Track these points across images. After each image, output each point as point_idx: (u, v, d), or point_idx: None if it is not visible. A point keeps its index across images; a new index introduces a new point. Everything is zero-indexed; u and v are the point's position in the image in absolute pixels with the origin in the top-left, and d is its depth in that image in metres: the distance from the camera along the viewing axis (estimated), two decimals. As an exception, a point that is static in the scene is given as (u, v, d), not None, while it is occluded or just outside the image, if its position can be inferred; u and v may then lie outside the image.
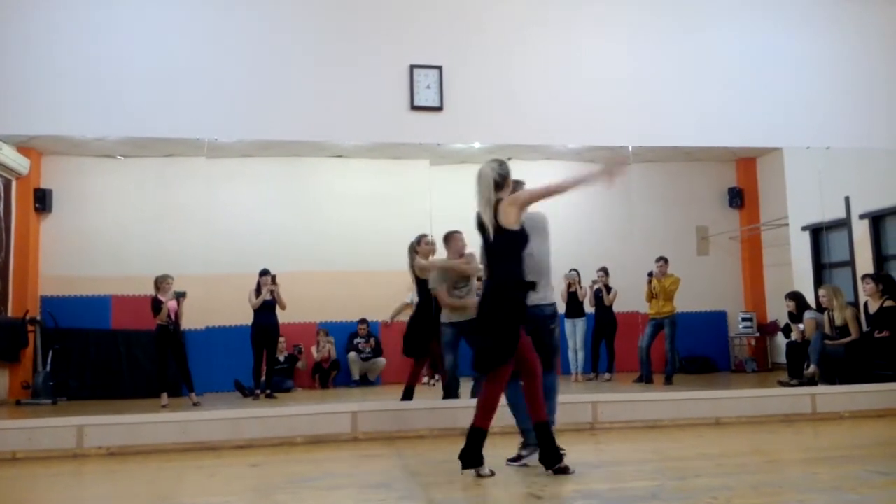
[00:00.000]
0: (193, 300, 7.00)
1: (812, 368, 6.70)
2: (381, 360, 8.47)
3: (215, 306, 7.33)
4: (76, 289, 7.63)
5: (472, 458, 3.71)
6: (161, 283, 6.75)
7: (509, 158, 4.02)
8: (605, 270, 8.16)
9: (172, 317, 6.75)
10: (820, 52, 6.37)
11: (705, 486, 3.42)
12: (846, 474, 3.62)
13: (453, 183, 7.75)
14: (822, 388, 6.19)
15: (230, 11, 5.64)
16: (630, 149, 6.28)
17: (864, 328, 6.75)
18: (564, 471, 3.65)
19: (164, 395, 6.53)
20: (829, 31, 6.42)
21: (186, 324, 7.01)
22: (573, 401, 5.56)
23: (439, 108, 5.75)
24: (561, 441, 3.76)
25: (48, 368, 7.13)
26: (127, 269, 7.59)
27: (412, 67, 5.74)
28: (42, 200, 7.70)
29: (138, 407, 6.08)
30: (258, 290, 7.34)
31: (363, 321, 8.50)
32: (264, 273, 7.36)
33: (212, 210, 7.03)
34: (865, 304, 6.80)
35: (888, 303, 6.57)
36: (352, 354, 8.40)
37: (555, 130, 5.97)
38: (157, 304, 6.71)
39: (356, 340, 8.47)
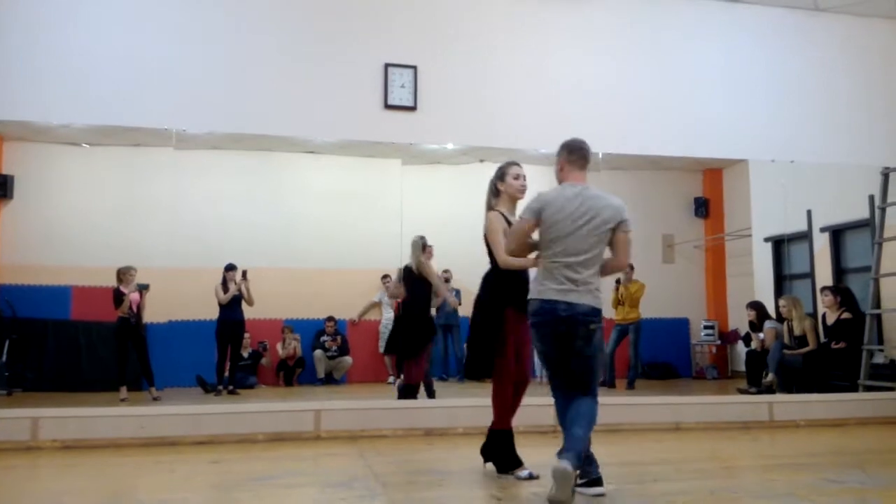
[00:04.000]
0: (156, 293, 6.90)
1: (770, 377, 6.84)
2: (348, 359, 8.43)
3: (179, 300, 7.24)
4: (36, 278, 7.47)
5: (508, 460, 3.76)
6: (124, 274, 6.65)
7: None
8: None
9: (134, 309, 6.64)
10: (787, 67, 6.50)
11: (663, 491, 3.47)
12: (801, 482, 3.70)
13: (425, 183, 7.79)
14: (779, 397, 6.32)
15: (204, 1, 5.57)
16: (600, 155, 6.34)
17: (822, 339, 6.91)
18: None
19: (124, 388, 6.43)
20: (796, 47, 6.55)
21: (149, 317, 6.90)
22: (536, 403, 5.58)
23: (413, 108, 5.74)
24: (523, 443, 3.78)
25: (4, 359, 6.97)
26: (89, 260, 7.45)
27: (387, 66, 5.72)
28: (3, 187, 7.52)
29: (96, 400, 5.97)
30: (224, 285, 7.25)
31: (330, 319, 8.46)
32: (230, 268, 7.28)
33: (178, 202, 6.95)
34: (824, 316, 6.96)
35: (845, 315, 6.73)
36: (318, 352, 8.35)
37: (526, 135, 6.00)
38: (118, 296, 6.60)
39: (323, 338, 8.43)
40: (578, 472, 3.22)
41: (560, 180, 3.58)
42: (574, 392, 3.40)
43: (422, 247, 6.07)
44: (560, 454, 3.16)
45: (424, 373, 6.08)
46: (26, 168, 7.64)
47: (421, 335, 5.94)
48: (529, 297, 3.48)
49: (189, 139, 6.08)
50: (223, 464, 4.28)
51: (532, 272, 3.69)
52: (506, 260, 3.70)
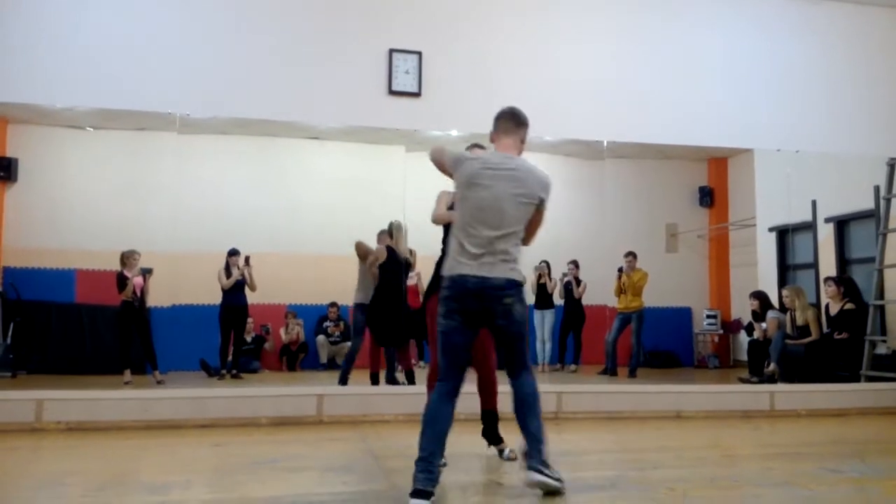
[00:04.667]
0: (160, 277, 6.91)
1: (772, 367, 6.84)
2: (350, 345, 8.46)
3: (182, 284, 7.25)
4: (40, 261, 7.48)
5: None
6: (127, 258, 6.66)
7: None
8: (575, 263, 8.24)
9: (138, 293, 6.66)
10: (793, 56, 6.46)
11: (663, 478, 3.48)
12: (800, 471, 3.71)
13: (428, 170, 7.77)
14: (780, 387, 6.32)
15: (208, -15, 5.55)
16: (605, 144, 6.33)
17: (825, 329, 6.91)
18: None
19: (127, 371, 6.45)
20: (801, 36, 6.51)
21: (153, 301, 6.92)
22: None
23: (417, 94, 5.72)
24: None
25: (9, 341, 7.00)
26: (93, 243, 7.45)
27: (391, 51, 5.70)
28: (7, 169, 7.52)
29: (101, 383, 6.00)
30: (227, 270, 7.28)
31: (333, 305, 8.47)
32: (233, 253, 7.30)
33: (182, 187, 6.94)
34: (827, 306, 6.95)
35: (848, 305, 6.73)
36: (320, 338, 8.39)
37: (531, 122, 5.97)
38: (122, 280, 6.62)
39: (325, 324, 8.46)
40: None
41: None
42: (511, 372, 3.18)
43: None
44: (530, 463, 3.06)
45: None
46: (30, 151, 7.64)
47: (402, 324, 6.01)
48: (442, 273, 3.17)
49: (193, 124, 6.07)
50: (226, 447, 4.31)
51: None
52: (436, 217, 3.68)
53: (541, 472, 3.06)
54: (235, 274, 7.25)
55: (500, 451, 3.89)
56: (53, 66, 5.22)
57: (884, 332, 6.65)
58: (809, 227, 7.59)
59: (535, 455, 3.07)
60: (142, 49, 5.36)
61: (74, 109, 6.42)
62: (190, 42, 5.45)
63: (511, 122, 3.38)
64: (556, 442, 4.50)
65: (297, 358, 8.34)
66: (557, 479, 3.11)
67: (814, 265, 7.54)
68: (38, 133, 7.63)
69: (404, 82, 5.70)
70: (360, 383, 6.29)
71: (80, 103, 5.77)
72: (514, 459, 3.73)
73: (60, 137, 7.65)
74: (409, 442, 4.47)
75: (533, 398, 3.15)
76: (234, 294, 7.29)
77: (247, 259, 7.30)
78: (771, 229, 8.12)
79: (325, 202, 8.31)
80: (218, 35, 5.52)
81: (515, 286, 3.10)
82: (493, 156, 3.29)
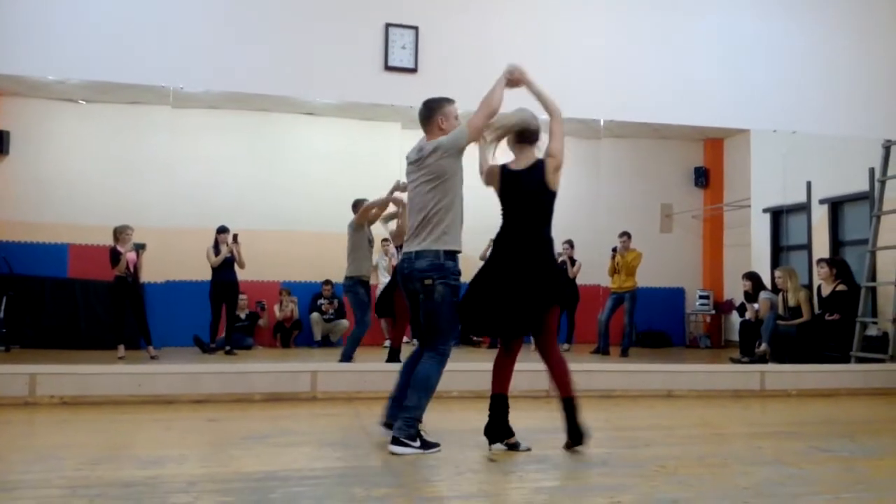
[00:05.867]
0: (154, 253, 6.90)
1: (763, 347, 6.89)
2: (344, 322, 8.47)
3: (176, 260, 7.24)
4: (33, 235, 7.45)
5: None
6: (120, 233, 6.64)
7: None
8: (570, 243, 8.24)
9: (131, 268, 6.65)
10: (791, 37, 6.42)
11: (654, 456, 3.52)
12: (789, 449, 3.75)
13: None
14: (771, 367, 6.37)
15: (202, -43, 5.46)
16: (602, 123, 6.30)
17: (817, 310, 6.95)
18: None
19: (121, 346, 6.46)
20: (800, 17, 6.46)
21: (146, 276, 6.91)
22: (531, 369, 5.63)
23: (414, 70, 5.67)
24: (517, 408, 3.81)
25: (1, 315, 6.99)
26: (86, 218, 7.42)
27: (387, 26, 5.65)
28: (-1, 142, 7.47)
29: (95, 358, 6.00)
30: (216, 248, 7.26)
31: (327, 282, 8.47)
32: (222, 230, 7.29)
33: (175, 161, 6.90)
34: (819, 287, 6.99)
35: (841, 287, 6.76)
36: (314, 315, 8.40)
37: (528, 100, 5.93)
38: (115, 255, 6.60)
39: (319, 301, 8.46)
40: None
41: None
42: (422, 347, 3.60)
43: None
44: (394, 433, 3.43)
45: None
46: (23, 124, 7.57)
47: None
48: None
49: (186, 98, 6.02)
50: (220, 422, 4.32)
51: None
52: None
53: (400, 443, 3.40)
54: (224, 251, 7.24)
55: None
56: (46, 38, 5.15)
57: (875, 313, 6.70)
58: (804, 208, 7.60)
59: (402, 427, 3.43)
60: (135, 21, 5.29)
61: (67, 82, 6.35)
62: (184, 15, 5.38)
63: (421, 119, 3.70)
64: (547, 419, 4.53)
65: (291, 335, 8.36)
66: (418, 448, 3.42)
67: (807, 247, 7.57)
68: (31, 106, 7.56)
69: (400, 58, 5.65)
70: (355, 359, 6.30)
71: (72, 76, 5.71)
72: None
73: (53, 110, 7.59)
74: (402, 418, 4.51)
75: (426, 379, 3.50)
76: (224, 271, 7.29)
77: (235, 236, 7.29)
78: (765, 210, 8.14)
79: (320, 179, 8.28)
80: (212, 8, 5.44)
81: (439, 269, 3.44)
82: (412, 149, 3.69)
